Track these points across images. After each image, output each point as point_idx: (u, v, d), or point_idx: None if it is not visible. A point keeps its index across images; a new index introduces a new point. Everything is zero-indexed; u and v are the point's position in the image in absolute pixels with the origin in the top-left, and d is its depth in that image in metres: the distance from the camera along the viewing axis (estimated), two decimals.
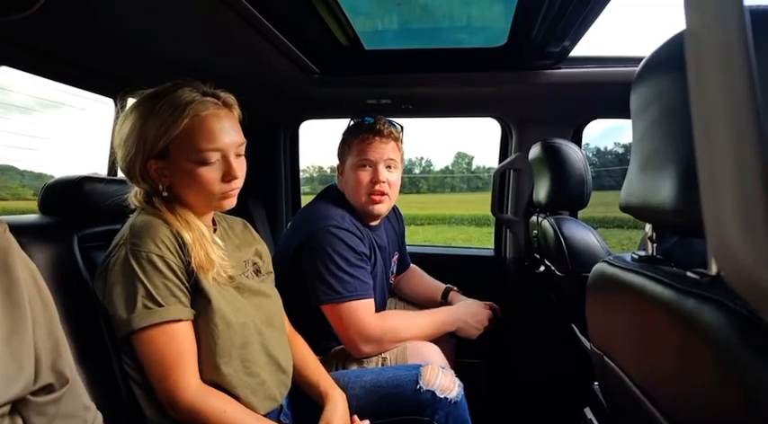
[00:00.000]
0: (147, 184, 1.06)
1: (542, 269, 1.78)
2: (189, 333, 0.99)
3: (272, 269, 1.27)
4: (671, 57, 0.63)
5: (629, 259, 0.78)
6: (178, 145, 1.01)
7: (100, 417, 0.78)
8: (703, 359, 0.51)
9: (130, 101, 1.09)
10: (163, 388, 0.97)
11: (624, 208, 0.73)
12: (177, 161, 1.02)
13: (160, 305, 0.95)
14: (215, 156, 1.02)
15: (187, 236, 1.00)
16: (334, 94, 1.92)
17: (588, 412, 1.25)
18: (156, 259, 0.96)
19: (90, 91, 1.48)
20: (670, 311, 0.56)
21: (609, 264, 0.80)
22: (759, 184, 0.30)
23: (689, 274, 0.58)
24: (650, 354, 0.66)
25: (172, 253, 0.98)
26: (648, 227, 0.75)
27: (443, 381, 1.22)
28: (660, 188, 0.60)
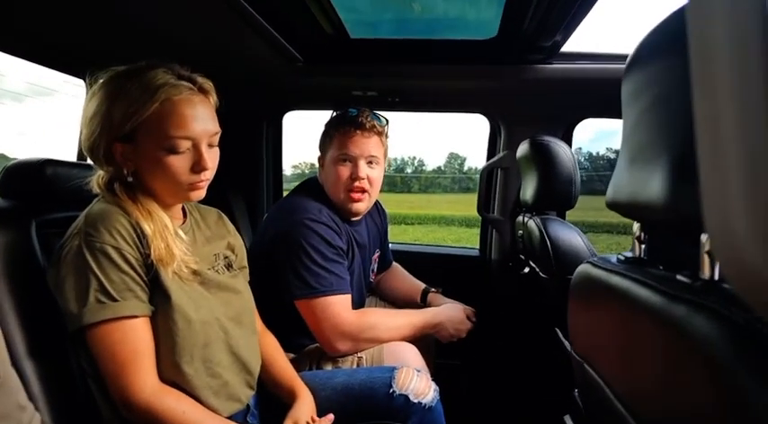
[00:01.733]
0: (111, 168, 0.99)
1: (527, 270, 1.74)
2: (145, 330, 0.92)
3: (245, 264, 1.21)
4: (664, 40, 0.58)
5: (614, 260, 0.73)
6: (146, 129, 0.93)
7: (38, 417, 0.72)
8: (693, 372, 0.46)
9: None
10: (116, 387, 0.90)
11: (611, 205, 0.68)
12: (144, 146, 0.95)
13: (114, 300, 0.89)
14: (185, 145, 0.95)
15: (147, 227, 0.94)
16: (319, 84, 1.86)
17: (568, 420, 1.20)
18: (111, 250, 0.89)
19: (58, 70, 1.41)
20: (657, 318, 0.51)
21: (593, 265, 0.75)
22: None
23: (678, 277, 0.53)
24: (633, 364, 0.61)
25: (129, 245, 0.91)
26: (636, 226, 0.70)
27: (418, 385, 1.16)
28: (649, 182, 0.54)
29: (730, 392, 0.39)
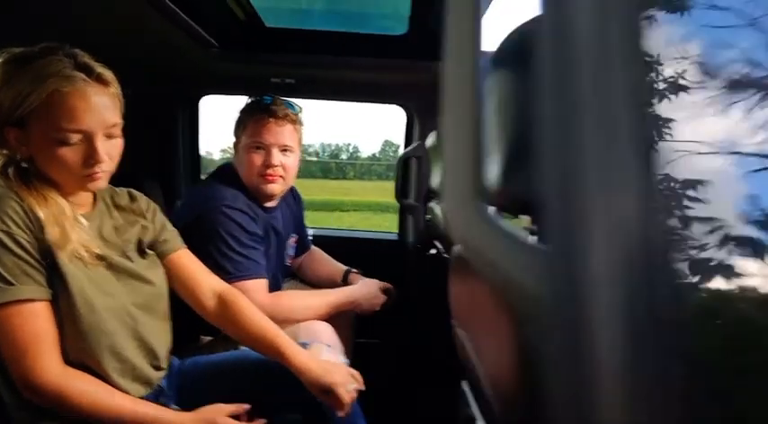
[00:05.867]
0: (4, 151, 0.98)
1: (434, 251, 1.85)
2: (46, 314, 0.93)
3: (167, 237, 1.20)
4: (509, 51, 0.67)
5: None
6: (36, 119, 0.92)
7: None
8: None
9: None
10: (18, 371, 0.91)
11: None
12: (35, 135, 0.94)
13: (10, 284, 0.89)
14: (76, 137, 0.94)
15: (40, 212, 0.94)
16: (236, 70, 1.88)
17: (464, 385, 1.31)
18: (1, 235, 0.89)
19: None
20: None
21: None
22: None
23: None
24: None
25: (21, 229, 0.91)
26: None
27: (327, 359, 1.24)
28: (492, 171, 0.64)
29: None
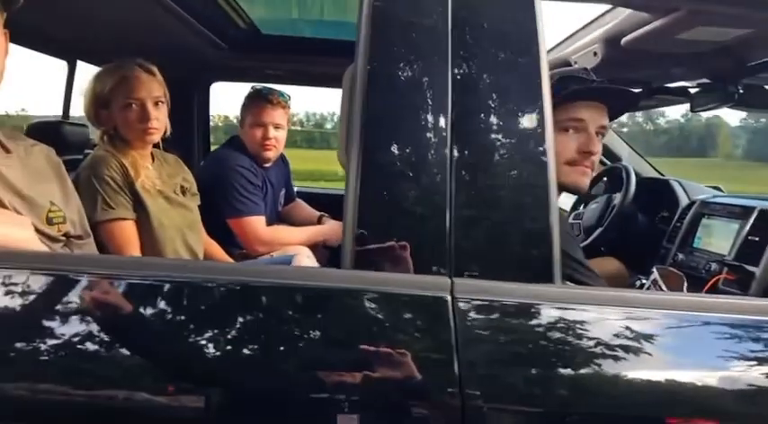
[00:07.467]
0: (102, 127, 1.59)
1: None
2: (132, 229, 1.47)
3: (196, 192, 1.78)
4: None
5: None
6: (114, 97, 1.51)
7: None
8: None
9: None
10: None
11: None
12: (115, 108, 1.52)
13: (112, 208, 1.44)
14: (135, 105, 1.48)
15: (125, 161, 1.49)
16: (240, 64, 2.46)
17: None
18: (107, 178, 1.45)
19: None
20: None
21: None
22: None
23: None
24: None
25: (117, 174, 1.46)
26: None
27: (309, 264, 1.88)
28: None
29: None
